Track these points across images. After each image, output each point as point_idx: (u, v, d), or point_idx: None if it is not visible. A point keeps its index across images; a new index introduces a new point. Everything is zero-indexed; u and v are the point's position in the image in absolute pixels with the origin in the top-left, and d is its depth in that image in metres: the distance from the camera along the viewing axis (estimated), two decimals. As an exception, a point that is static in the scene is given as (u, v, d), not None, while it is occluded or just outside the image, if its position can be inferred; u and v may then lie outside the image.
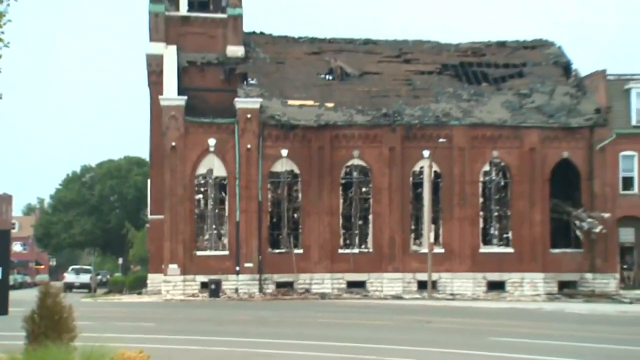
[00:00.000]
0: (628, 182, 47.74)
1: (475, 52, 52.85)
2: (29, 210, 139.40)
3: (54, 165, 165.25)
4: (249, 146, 44.31)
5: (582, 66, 52.52)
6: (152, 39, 47.48)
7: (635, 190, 47.71)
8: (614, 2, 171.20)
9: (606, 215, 46.27)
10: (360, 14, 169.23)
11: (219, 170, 44.80)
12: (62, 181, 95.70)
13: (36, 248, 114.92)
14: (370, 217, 45.82)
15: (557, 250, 46.66)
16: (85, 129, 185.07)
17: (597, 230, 45.88)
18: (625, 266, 46.64)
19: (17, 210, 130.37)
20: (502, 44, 53.85)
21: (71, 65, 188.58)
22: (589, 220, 46.12)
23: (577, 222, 46.57)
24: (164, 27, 47.34)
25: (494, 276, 45.94)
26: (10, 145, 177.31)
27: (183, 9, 48.29)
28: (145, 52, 47.57)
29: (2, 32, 13.93)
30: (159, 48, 46.99)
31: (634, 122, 47.68)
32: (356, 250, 45.52)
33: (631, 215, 47.51)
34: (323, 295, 43.51)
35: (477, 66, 51.44)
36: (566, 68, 51.77)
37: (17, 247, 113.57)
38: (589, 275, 46.53)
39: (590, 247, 46.58)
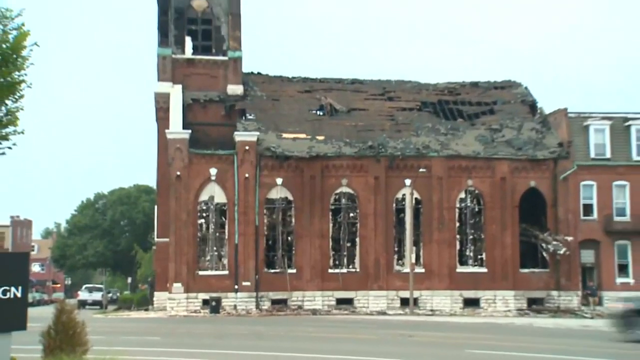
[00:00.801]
0: (588, 209, 47.94)
1: (451, 91, 53.19)
2: (47, 233, 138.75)
3: (70, 192, 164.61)
4: (247, 175, 44.29)
5: (546, 104, 53.09)
6: (160, 79, 47.65)
7: (595, 216, 47.92)
8: (576, 48, 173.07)
9: (569, 238, 46.46)
10: (348, 55, 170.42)
11: (220, 197, 44.71)
12: (77, 207, 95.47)
13: (53, 268, 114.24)
14: (357, 239, 45.73)
15: (526, 270, 46.65)
16: (98, 159, 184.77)
17: (562, 252, 46.03)
18: (588, 291, 46.46)
19: (36, 233, 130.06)
20: (475, 84, 54.25)
21: (87, 102, 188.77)
22: (554, 243, 46.25)
23: (544, 245, 46.70)
24: (170, 68, 47.53)
25: (470, 294, 45.83)
26: (30, 175, 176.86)
27: (188, 52, 48.53)
28: (154, 90, 47.73)
29: (25, 74, 14.01)
30: (166, 87, 47.16)
31: (592, 155, 48.05)
32: (344, 270, 45.35)
33: (591, 239, 47.70)
34: (314, 311, 43.26)
35: (453, 104, 51.75)
36: (532, 106, 52.17)
37: (35, 267, 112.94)
38: (554, 293, 46.52)
39: (555, 267, 46.64)
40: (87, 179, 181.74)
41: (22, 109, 14.18)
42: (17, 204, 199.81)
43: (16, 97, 13.96)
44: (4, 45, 13.61)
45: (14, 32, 13.75)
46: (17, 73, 13.85)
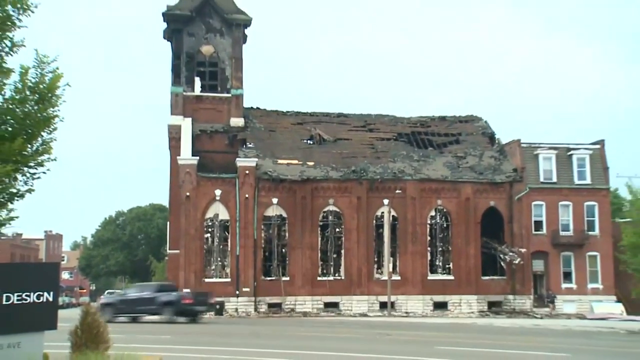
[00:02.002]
0: (539, 225, 48.21)
1: (422, 124, 53.47)
2: (75, 246, 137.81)
3: (94, 210, 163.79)
4: (247, 196, 44.29)
5: (503, 136, 53.37)
6: (172, 113, 47.61)
7: (544, 231, 48.20)
8: (527, 86, 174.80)
9: (523, 250, 46.69)
10: (334, 92, 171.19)
11: (223, 215, 44.64)
12: (101, 223, 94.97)
13: (80, 276, 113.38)
14: (342, 251, 45.71)
15: (486, 277, 46.75)
16: (119, 182, 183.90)
17: (517, 261, 46.22)
18: (549, 299, 46.48)
19: (66, 246, 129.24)
20: (443, 118, 54.56)
21: (111, 132, 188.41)
22: (510, 254, 46.44)
23: (502, 255, 46.86)
24: (182, 104, 47.55)
25: (439, 298, 45.83)
26: (62, 194, 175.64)
27: (197, 90, 48.62)
28: (167, 123, 47.63)
29: (58, 110, 14.11)
30: (178, 120, 47.11)
31: (542, 179, 48.47)
32: (331, 278, 45.27)
33: (541, 250, 47.93)
34: (305, 314, 43.10)
35: (424, 135, 52.02)
36: (491, 137, 52.53)
37: (65, 275, 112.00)
38: (510, 297, 46.62)
39: (511, 275, 46.77)
40: (109, 199, 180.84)
41: (55, 140, 14.25)
42: (50, 219, 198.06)
43: (50, 129, 14.05)
44: (41, 86, 13.73)
45: (50, 75, 13.88)
46: (51, 109, 13.95)
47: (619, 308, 45.28)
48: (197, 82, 48.82)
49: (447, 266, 46.88)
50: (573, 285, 47.99)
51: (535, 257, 47.87)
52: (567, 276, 48.25)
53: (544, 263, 48.30)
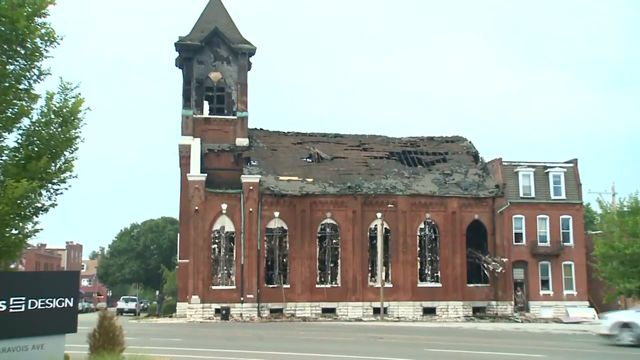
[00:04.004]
0: (519, 236, 48.34)
1: (412, 144, 53.55)
2: (94, 255, 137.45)
3: (112, 223, 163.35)
4: (251, 209, 44.30)
5: (486, 154, 53.46)
6: (183, 134, 47.70)
7: (524, 242, 48.31)
8: (508, 109, 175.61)
9: (505, 259, 46.69)
10: (331, 114, 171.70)
11: (229, 227, 44.62)
12: (117, 234, 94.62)
13: (98, 283, 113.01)
14: (339, 261, 45.62)
15: (471, 285, 46.65)
16: (133, 197, 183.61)
17: (499, 270, 46.16)
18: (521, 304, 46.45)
19: (85, 255, 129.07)
20: (431, 138, 54.66)
21: (127, 152, 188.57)
22: (493, 263, 46.40)
23: (485, 265, 46.80)
24: (192, 125, 47.66)
25: (428, 304, 45.70)
26: (81, 208, 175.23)
27: (205, 113, 48.70)
28: (178, 143, 47.71)
29: (80, 132, 14.26)
30: (188, 140, 47.18)
31: (521, 195, 48.68)
32: (329, 285, 45.14)
33: (521, 260, 47.98)
34: (304, 319, 42.92)
35: (414, 154, 52.10)
36: (475, 156, 52.61)
37: (84, 282, 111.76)
38: (493, 303, 46.51)
39: (494, 282, 46.70)
40: (125, 212, 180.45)
41: (76, 158, 14.37)
42: (71, 231, 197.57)
43: (72, 149, 14.19)
44: (64, 110, 13.90)
45: (72, 99, 14.06)
46: (73, 130, 14.09)
47: (592, 312, 45.40)
48: (206, 105, 48.96)
49: (435, 274, 46.80)
50: (550, 292, 48.02)
51: (515, 266, 47.90)
52: (545, 283, 48.32)
53: (524, 271, 48.31)
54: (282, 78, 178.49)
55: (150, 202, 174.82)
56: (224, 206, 44.37)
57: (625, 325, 23.38)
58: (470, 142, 54.62)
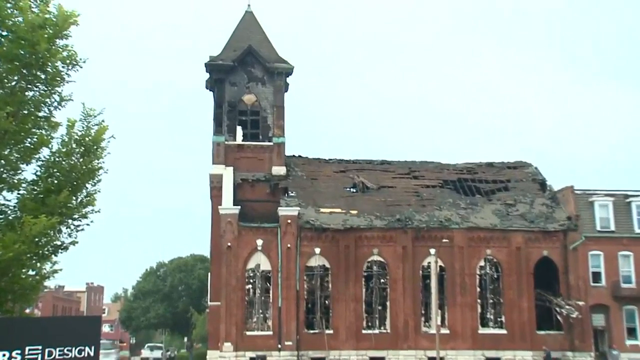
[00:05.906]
0: (597, 276, 46.78)
1: (469, 171, 52.96)
2: (116, 298, 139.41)
3: (136, 262, 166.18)
4: (289, 245, 44.28)
5: (554, 182, 52.26)
6: (214, 162, 48.21)
7: (603, 282, 46.68)
8: (579, 132, 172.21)
9: (581, 303, 45.19)
10: (377, 139, 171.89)
11: (265, 265, 44.62)
12: (142, 275, 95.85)
13: (120, 328, 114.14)
14: (388, 303, 45.03)
15: (542, 332, 45.25)
16: (160, 233, 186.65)
17: (574, 315, 44.67)
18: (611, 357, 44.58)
19: (107, 297, 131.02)
20: (490, 165, 53.96)
21: (151, 183, 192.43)
22: (567, 307, 44.97)
23: (558, 309, 45.41)
24: (223, 153, 48.10)
25: (491, 353, 44.45)
26: (103, 246, 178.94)
27: (239, 139, 48.99)
28: (209, 172, 48.18)
29: (103, 162, 14.52)
30: (219, 169, 47.57)
31: (598, 228, 47.28)
32: (377, 331, 44.52)
33: (601, 304, 46.29)
34: (350, 369, 42.33)
35: (471, 182, 51.45)
36: (542, 184, 51.60)
37: (105, 328, 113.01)
38: (569, 353, 44.86)
39: (569, 329, 45.18)
40: (151, 250, 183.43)
41: (99, 192, 14.57)
42: (91, 271, 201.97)
43: (95, 181, 14.41)
44: (87, 139, 14.15)
45: (95, 127, 14.30)
46: (96, 161, 14.32)
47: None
48: (239, 130, 49.36)
49: (499, 319, 45.63)
50: (638, 342, 46.00)
51: (594, 311, 46.20)
52: (631, 332, 46.37)
53: (605, 317, 46.54)
54: (320, 100, 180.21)
55: (179, 239, 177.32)
56: (259, 242, 44.49)
57: None
58: (535, 167, 53.69)
